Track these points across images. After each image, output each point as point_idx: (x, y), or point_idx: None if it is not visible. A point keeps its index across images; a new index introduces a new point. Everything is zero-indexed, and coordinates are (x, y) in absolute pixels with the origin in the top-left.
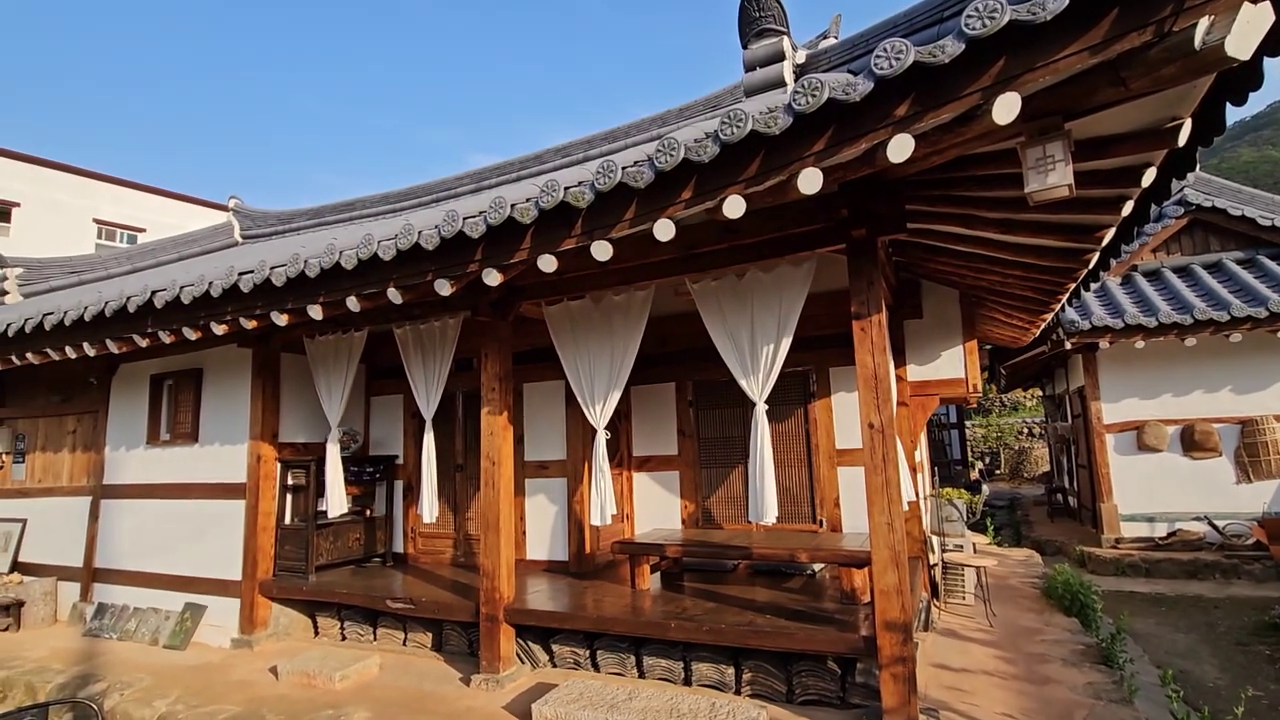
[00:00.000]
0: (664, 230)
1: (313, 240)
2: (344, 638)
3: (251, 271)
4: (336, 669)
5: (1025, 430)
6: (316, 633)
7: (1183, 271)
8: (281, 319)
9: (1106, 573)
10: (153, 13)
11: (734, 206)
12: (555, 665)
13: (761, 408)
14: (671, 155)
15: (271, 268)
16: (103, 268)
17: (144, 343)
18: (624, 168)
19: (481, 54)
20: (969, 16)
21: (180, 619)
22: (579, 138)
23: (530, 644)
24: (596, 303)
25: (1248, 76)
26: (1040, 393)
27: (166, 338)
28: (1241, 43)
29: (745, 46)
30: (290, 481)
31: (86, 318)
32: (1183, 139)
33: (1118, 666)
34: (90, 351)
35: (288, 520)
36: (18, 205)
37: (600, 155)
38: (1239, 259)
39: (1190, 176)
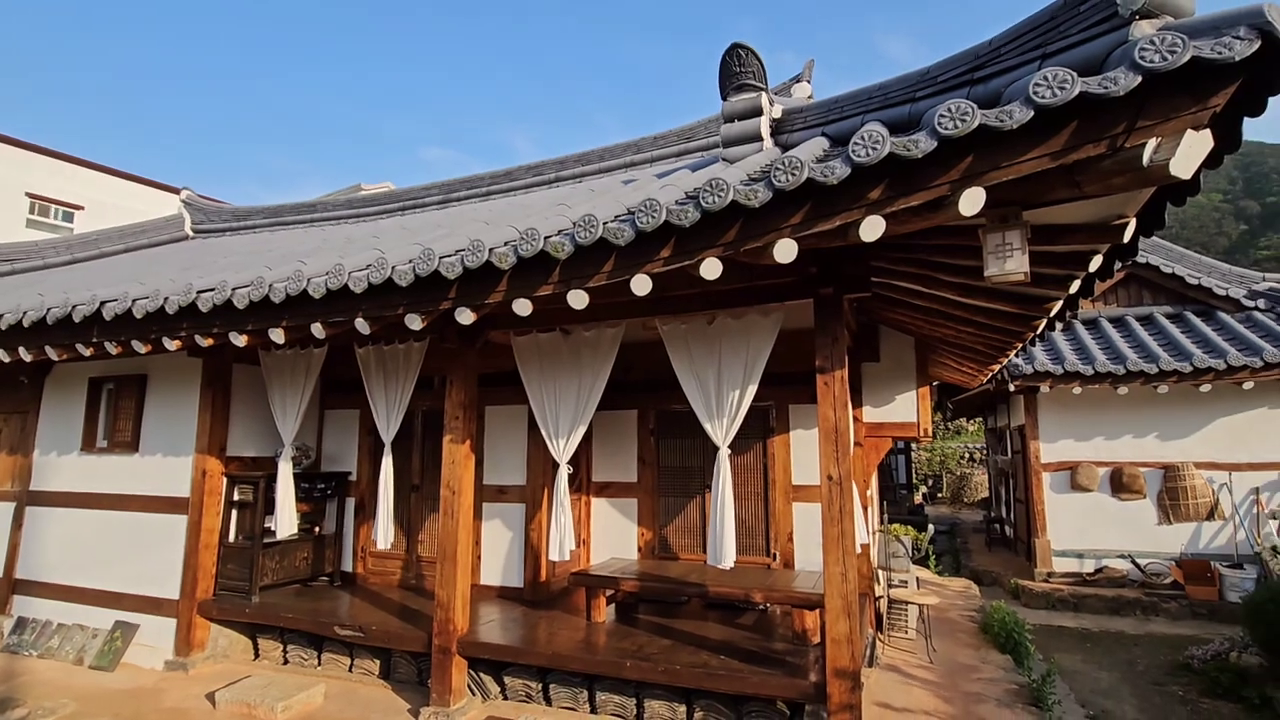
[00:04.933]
0: (641, 285)
1: (271, 242)
2: (286, 661)
3: (212, 290)
4: (279, 699)
5: (967, 455)
6: (257, 655)
7: (1118, 322)
8: (240, 339)
9: (1038, 606)
10: None
11: (711, 268)
12: (507, 698)
13: (725, 452)
14: (654, 216)
15: (234, 289)
16: (39, 257)
17: (88, 352)
18: (605, 223)
19: (437, 44)
20: (942, 116)
21: (109, 638)
22: (552, 158)
23: (482, 675)
24: (566, 336)
25: (1187, 186)
26: (983, 423)
27: (113, 349)
28: (1184, 164)
29: (725, 98)
30: (237, 497)
31: (25, 323)
32: (1127, 236)
33: (1047, 708)
34: (26, 357)
35: (232, 538)
36: None
37: (573, 178)
38: (1168, 313)
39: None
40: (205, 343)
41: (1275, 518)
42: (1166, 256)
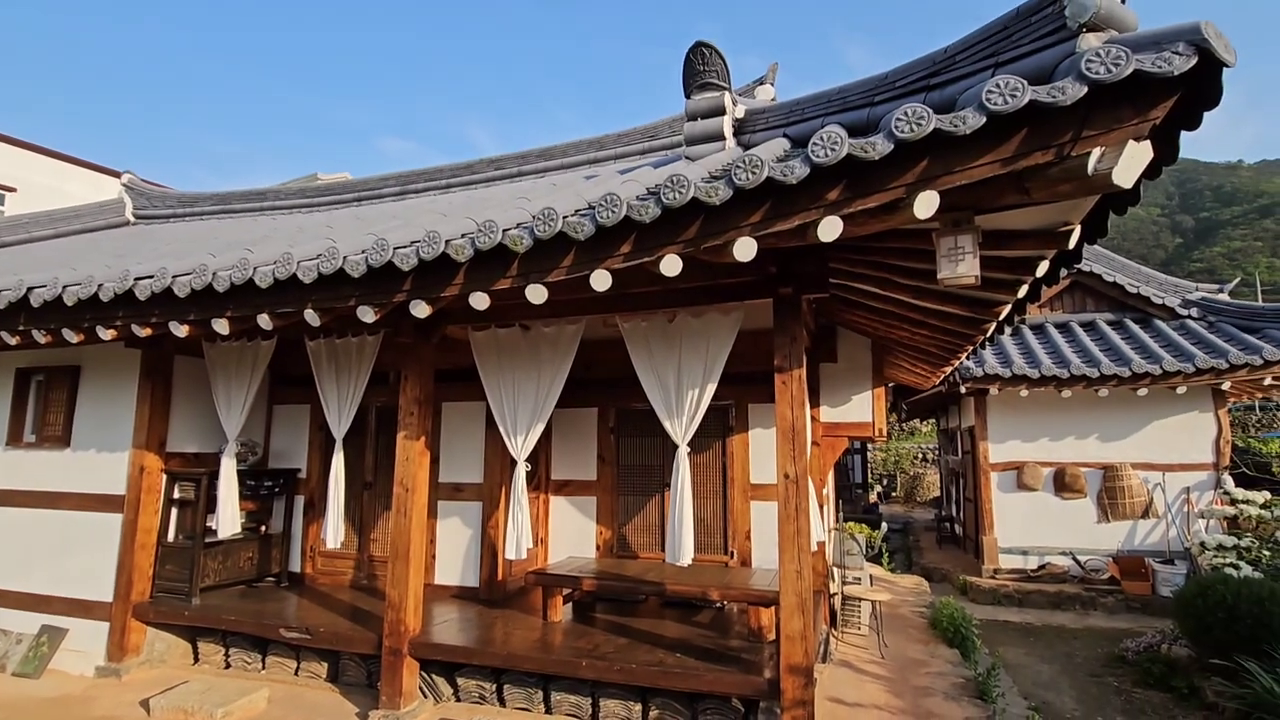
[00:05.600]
0: (600, 280)
1: (218, 230)
2: (228, 665)
3: (151, 277)
4: (219, 704)
5: (920, 456)
6: (197, 659)
7: (1063, 328)
8: (181, 330)
9: (985, 601)
10: None
11: (671, 265)
12: (460, 699)
13: (684, 450)
14: (614, 211)
15: (174, 276)
16: None
17: (13, 341)
18: (565, 217)
19: (393, 33)
20: (899, 120)
21: (35, 643)
22: (513, 151)
23: (434, 676)
24: (525, 331)
25: (1129, 195)
26: (935, 424)
27: (42, 338)
28: (1126, 173)
29: (689, 96)
30: (177, 495)
31: None
32: (1072, 242)
33: (991, 700)
34: None
35: (171, 537)
36: None
37: (535, 173)
38: (1109, 320)
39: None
40: (143, 333)
41: (1204, 516)
42: (1109, 266)
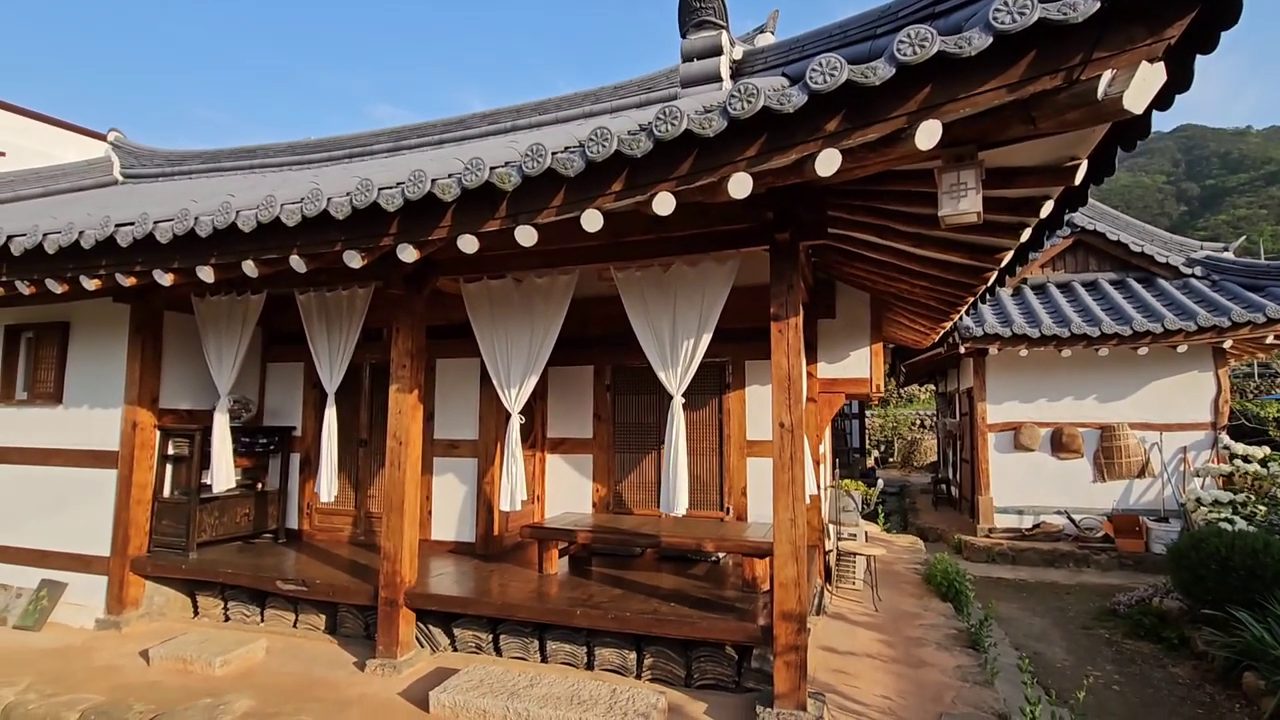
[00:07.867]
0: (592, 220)
1: (206, 187)
2: (227, 619)
3: (132, 224)
4: (217, 653)
5: (918, 422)
6: (196, 613)
7: (1065, 287)
8: (166, 278)
9: (979, 559)
10: None
11: (664, 203)
12: (456, 649)
13: (678, 401)
14: (604, 146)
15: (156, 222)
16: None
17: None
18: (554, 153)
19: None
20: (901, 43)
21: (35, 597)
22: (508, 105)
23: (431, 627)
24: (518, 283)
25: (1138, 127)
26: (934, 389)
27: (25, 289)
28: (1137, 97)
29: (684, 36)
30: (171, 451)
31: None
32: (1078, 178)
33: (983, 650)
34: None
35: (167, 493)
36: None
37: (529, 126)
38: (1112, 279)
39: None
40: (128, 282)
41: (1200, 475)
42: (1113, 224)
